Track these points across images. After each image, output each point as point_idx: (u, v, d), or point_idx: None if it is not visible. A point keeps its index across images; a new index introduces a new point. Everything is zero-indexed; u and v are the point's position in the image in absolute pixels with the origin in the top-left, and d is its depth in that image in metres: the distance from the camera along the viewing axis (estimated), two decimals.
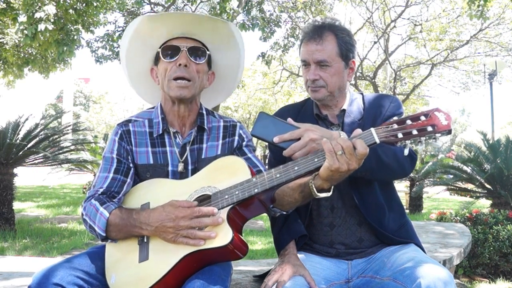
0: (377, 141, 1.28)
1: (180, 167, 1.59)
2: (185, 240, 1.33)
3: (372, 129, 1.29)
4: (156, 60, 1.64)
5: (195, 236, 1.32)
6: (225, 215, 1.36)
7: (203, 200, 1.46)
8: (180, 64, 1.55)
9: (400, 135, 1.26)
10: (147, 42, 1.63)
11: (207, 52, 1.63)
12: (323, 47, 1.64)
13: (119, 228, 1.42)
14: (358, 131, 1.33)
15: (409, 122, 1.27)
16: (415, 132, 1.25)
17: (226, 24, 1.63)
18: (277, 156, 1.76)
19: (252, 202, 1.43)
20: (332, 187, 1.36)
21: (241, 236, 1.37)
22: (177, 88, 1.55)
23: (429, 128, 1.25)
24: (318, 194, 1.35)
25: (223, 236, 1.31)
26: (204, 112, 1.69)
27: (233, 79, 1.80)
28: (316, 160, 1.32)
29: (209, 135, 1.67)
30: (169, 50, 1.59)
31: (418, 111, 1.30)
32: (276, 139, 1.43)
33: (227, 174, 1.45)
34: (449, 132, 1.24)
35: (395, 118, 1.32)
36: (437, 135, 1.25)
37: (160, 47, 1.61)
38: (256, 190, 1.36)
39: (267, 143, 1.57)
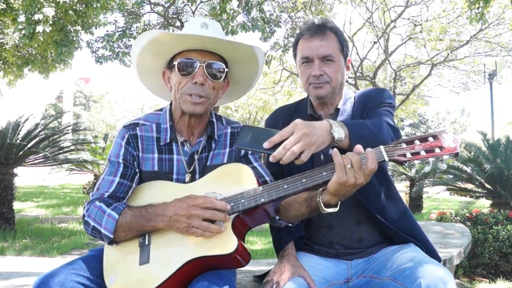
0: (386, 159, 1.28)
1: (188, 177, 1.56)
2: (195, 231, 1.32)
3: (382, 147, 1.29)
4: (170, 65, 1.57)
5: (206, 228, 1.31)
6: (230, 223, 1.35)
7: None
8: (196, 82, 1.49)
9: (408, 155, 1.27)
10: (162, 48, 1.55)
11: (226, 70, 1.56)
12: (327, 42, 1.65)
13: (131, 226, 1.39)
14: (360, 147, 1.30)
15: (417, 142, 1.28)
16: (423, 153, 1.27)
17: (250, 46, 1.56)
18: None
19: (257, 212, 1.42)
20: (339, 203, 1.35)
21: (244, 245, 1.36)
22: (190, 103, 1.50)
23: (437, 150, 1.26)
24: (325, 209, 1.34)
25: (227, 244, 1.31)
26: (214, 120, 1.65)
27: (246, 86, 1.77)
28: (324, 173, 1.31)
29: (217, 143, 1.62)
30: (185, 64, 1.50)
31: (425, 133, 1.31)
32: (266, 145, 1.30)
33: (233, 181, 1.44)
34: (456, 154, 1.26)
35: (405, 137, 1.32)
36: (444, 157, 1.26)
37: (174, 56, 1.54)
38: (262, 200, 1.35)
39: None
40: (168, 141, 1.58)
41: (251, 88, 1.79)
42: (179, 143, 1.58)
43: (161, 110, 1.67)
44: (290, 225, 1.53)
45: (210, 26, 1.54)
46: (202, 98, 1.51)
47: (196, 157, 1.58)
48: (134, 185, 1.54)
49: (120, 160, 1.54)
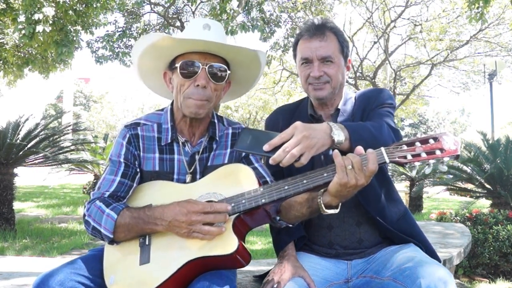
0: (387, 160, 1.28)
1: (188, 178, 1.56)
2: (197, 235, 1.32)
3: (382, 149, 1.29)
4: (171, 66, 1.56)
5: (207, 233, 1.32)
6: (231, 223, 1.35)
7: None
8: (198, 85, 1.48)
9: (409, 157, 1.27)
10: (163, 51, 1.54)
11: (228, 72, 1.54)
12: (327, 43, 1.65)
13: (129, 227, 1.39)
14: (360, 149, 1.30)
15: (418, 144, 1.28)
16: (424, 155, 1.27)
17: (253, 51, 1.54)
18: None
19: (258, 212, 1.42)
20: (340, 204, 1.35)
21: (244, 245, 1.36)
22: (193, 106, 1.49)
23: (438, 152, 1.26)
24: (326, 210, 1.34)
25: (228, 244, 1.31)
26: (216, 121, 1.64)
27: (247, 87, 1.76)
28: (325, 175, 1.31)
29: (218, 143, 1.62)
30: (187, 66, 1.49)
31: (427, 133, 1.30)
32: (266, 147, 1.30)
33: (234, 181, 1.43)
34: (457, 157, 1.26)
35: (405, 139, 1.32)
36: (445, 159, 1.26)
37: (176, 57, 1.53)
38: (263, 201, 1.35)
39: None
40: (169, 141, 1.58)
41: (251, 88, 1.79)
42: (180, 143, 1.58)
43: (162, 110, 1.66)
44: (291, 225, 1.53)
45: (212, 27, 1.53)
46: (204, 101, 1.50)
47: (197, 157, 1.58)
48: (135, 184, 1.55)
49: (121, 160, 1.54)
